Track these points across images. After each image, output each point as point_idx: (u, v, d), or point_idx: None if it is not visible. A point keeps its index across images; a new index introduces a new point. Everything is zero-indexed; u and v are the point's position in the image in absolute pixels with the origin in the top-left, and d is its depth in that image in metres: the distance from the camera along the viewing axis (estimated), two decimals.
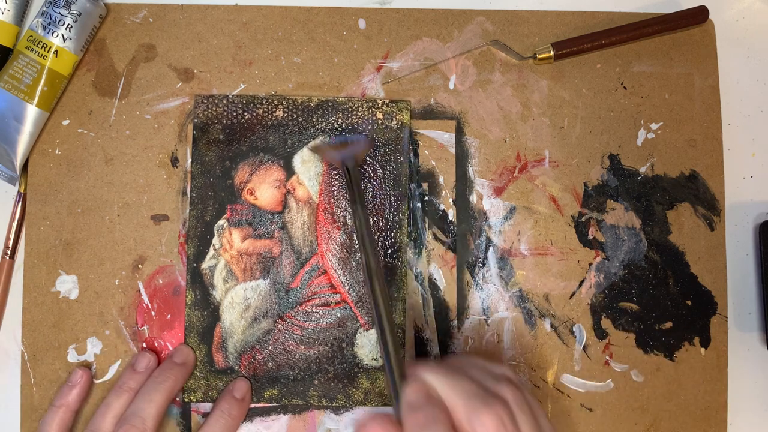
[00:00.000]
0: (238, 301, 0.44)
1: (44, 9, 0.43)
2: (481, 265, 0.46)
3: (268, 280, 0.45)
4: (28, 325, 0.44)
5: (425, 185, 0.46)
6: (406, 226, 0.45)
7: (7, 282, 0.45)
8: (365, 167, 0.45)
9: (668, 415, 0.45)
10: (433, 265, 0.45)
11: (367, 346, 0.44)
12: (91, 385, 0.44)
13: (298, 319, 0.44)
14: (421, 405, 0.32)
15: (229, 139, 0.45)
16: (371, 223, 0.42)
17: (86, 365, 0.44)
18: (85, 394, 0.43)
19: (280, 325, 0.44)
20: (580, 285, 0.46)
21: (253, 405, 0.44)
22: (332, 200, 0.45)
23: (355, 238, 0.45)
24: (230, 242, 0.45)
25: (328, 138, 0.45)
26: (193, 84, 0.46)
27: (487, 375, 0.34)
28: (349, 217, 0.45)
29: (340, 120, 0.46)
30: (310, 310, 0.44)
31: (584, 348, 0.45)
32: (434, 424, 0.30)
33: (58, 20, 0.43)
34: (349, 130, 0.46)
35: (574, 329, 0.45)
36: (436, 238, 0.46)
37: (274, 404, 0.44)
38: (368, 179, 0.45)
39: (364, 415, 0.32)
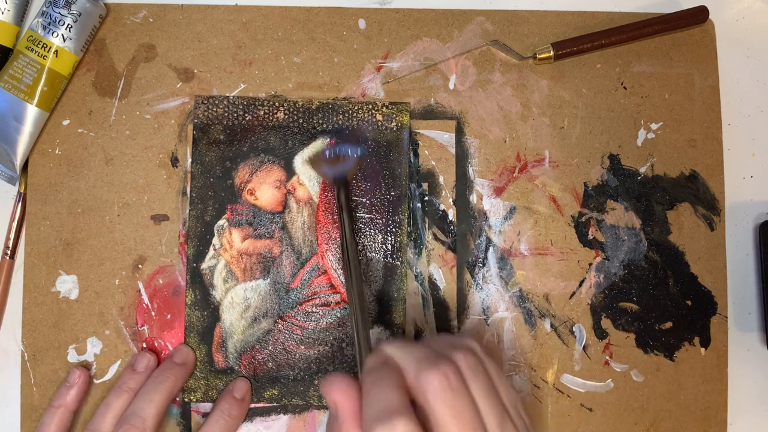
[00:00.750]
0: (238, 301, 0.44)
1: (44, 9, 0.43)
2: (481, 265, 0.46)
3: (268, 280, 0.45)
4: (28, 325, 0.44)
5: (425, 185, 0.46)
6: (406, 226, 0.45)
7: (7, 282, 0.45)
8: (365, 165, 0.45)
9: (668, 415, 0.45)
10: (433, 265, 0.45)
11: None
12: (89, 385, 0.43)
13: (298, 319, 0.44)
14: (375, 367, 0.33)
15: (230, 140, 0.45)
16: (355, 238, 0.43)
17: (86, 365, 0.44)
18: (84, 394, 0.43)
19: (280, 325, 0.44)
20: (580, 285, 0.46)
21: (253, 405, 0.44)
22: (332, 200, 0.45)
23: (355, 233, 0.45)
24: (230, 242, 0.45)
25: (325, 144, 0.45)
26: (193, 84, 0.46)
27: (447, 345, 0.34)
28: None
29: (340, 122, 0.46)
30: (310, 310, 0.44)
31: (584, 348, 0.45)
32: (384, 380, 0.31)
33: (58, 20, 0.43)
34: (349, 130, 0.46)
35: (574, 329, 0.45)
36: (436, 238, 0.46)
37: (274, 404, 0.44)
38: (368, 179, 0.45)
39: (331, 376, 0.33)
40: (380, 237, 0.45)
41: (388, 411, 0.29)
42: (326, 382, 0.33)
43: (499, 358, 0.45)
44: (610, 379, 0.45)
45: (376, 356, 0.34)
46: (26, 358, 0.44)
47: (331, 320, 0.44)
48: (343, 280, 0.45)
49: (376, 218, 0.45)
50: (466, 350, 0.33)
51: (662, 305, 0.46)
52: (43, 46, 0.43)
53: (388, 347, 0.34)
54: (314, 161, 0.45)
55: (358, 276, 0.39)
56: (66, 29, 0.43)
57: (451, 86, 0.47)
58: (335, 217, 0.45)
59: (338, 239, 0.45)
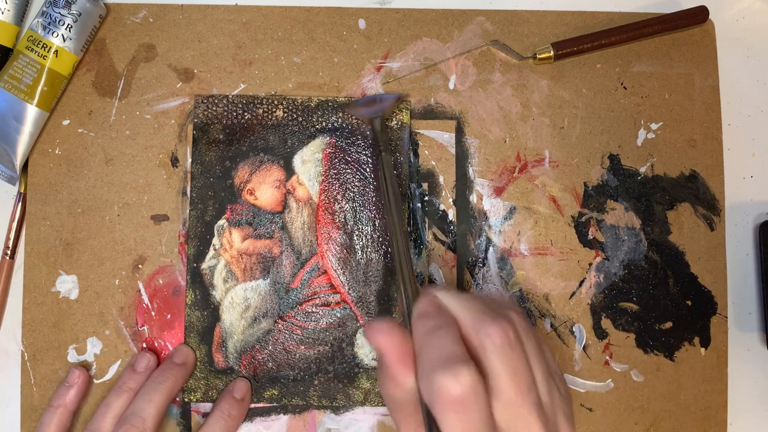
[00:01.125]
0: (238, 301, 0.44)
1: (44, 9, 0.43)
2: (481, 265, 0.46)
3: (268, 280, 0.45)
4: (28, 325, 0.44)
5: (425, 185, 0.46)
6: (406, 226, 0.45)
7: (7, 282, 0.45)
8: (365, 167, 0.45)
9: (668, 415, 0.45)
10: (433, 265, 0.45)
11: (366, 346, 0.44)
12: (88, 384, 0.43)
13: (298, 319, 0.44)
14: (430, 313, 0.32)
15: (229, 139, 0.45)
16: (395, 176, 0.42)
17: (86, 365, 0.44)
18: (83, 394, 0.43)
19: (280, 325, 0.44)
20: (580, 285, 0.46)
21: (253, 405, 0.44)
22: (332, 200, 0.45)
23: (356, 237, 0.45)
24: (230, 242, 0.45)
25: (325, 143, 0.45)
26: (193, 84, 0.46)
27: (497, 305, 0.34)
28: (349, 217, 0.45)
29: (340, 120, 0.46)
30: (310, 310, 0.44)
31: (584, 348, 0.45)
32: (441, 329, 0.31)
33: (58, 20, 0.43)
34: (349, 130, 0.46)
35: (574, 329, 0.45)
36: (436, 238, 0.46)
37: (274, 404, 0.44)
38: (369, 179, 0.45)
39: (374, 322, 0.32)
40: (380, 237, 0.45)
41: (450, 358, 0.29)
42: (370, 327, 0.32)
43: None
44: (610, 379, 0.45)
45: (428, 300, 0.33)
46: (26, 358, 0.44)
47: (331, 320, 0.44)
48: (343, 281, 0.45)
49: (376, 218, 0.45)
50: (518, 312, 0.33)
51: (662, 305, 0.46)
52: (43, 46, 0.43)
53: (442, 294, 0.33)
54: (351, 107, 0.45)
55: (399, 211, 0.39)
56: (66, 29, 0.43)
57: (451, 86, 0.47)
58: (335, 216, 0.45)
59: (338, 239, 0.45)
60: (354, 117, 0.46)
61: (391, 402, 0.32)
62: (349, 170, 0.45)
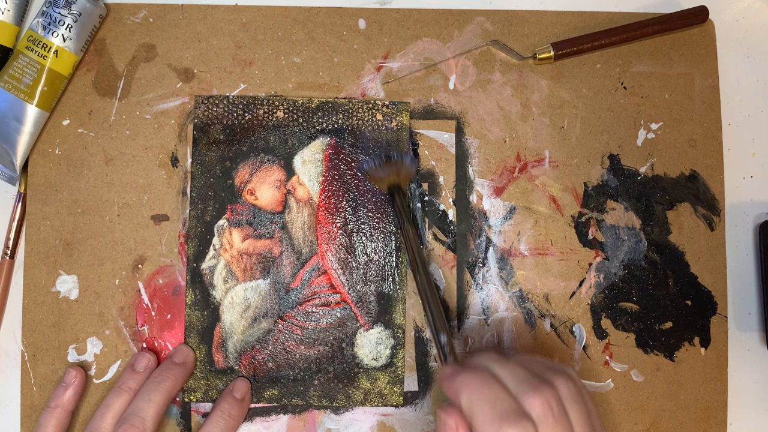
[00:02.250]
0: (238, 301, 0.44)
1: (44, 9, 0.43)
2: (481, 265, 0.46)
3: (268, 280, 0.45)
4: (28, 325, 0.44)
5: (425, 185, 0.46)
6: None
7: (7, 282, 0.45)
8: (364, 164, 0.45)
9: (668, 415, 0.45)
10: (433, 265, 0.45)
11: (367, 346, 0.44)
12: (85, 384, 0.43)
13: (298, 319, 0.44)
14: (478, 377, 0.33)
15: (230, 140, 0.45)
16: (420, 245, 0.44)
17: (86, 365, 0.44)
18: (80, 394, 0.43)
19: (280, 325, 0.44)
20: (580, 285, 0.46)
21: (253, 405, 0.44)
22: (332, 200, 0.45)
23: (355, 237, 0.45)
24: (230, 242, 0.45)
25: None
26: (193, 84, 0.46)
27: (544, 368, 0.34)
28: (349, 217, 0.45)
29: (340, 121, 0.46)
30: (310, 310, 0.44)
31: (584, 348, 0.45)
32: (494, 385, 0.32)
33: (58, 20, 0.43)
34: (349, 130, 0.46)
35: (574, 329, 0.45)
36: (436, 238, 0.46)
37: (274, 404, 0.44)
38: (369, 180, 0.45)
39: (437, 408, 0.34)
40: (380, 237, 0.45)
41: (511, 412, 0.30)
42: (439, 422, 0.33)
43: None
44: (610, 379, 0.45)
45: (473, 369, 0.34)
46: (26, 358, 0.44)
47: (331, 320, 0.44)
48: (343, 281, 0.45)
49: (377, 218, 0.45)
50: (566, 376, 0.33)
51: (662, 305, 0.46)
52: (43, 46, 0.43)
53: (486, 361, 0.34)
54: (366, 172, 0.45)
55: (427, 274, 0.41)
56: (66, 29, 0.43)
57: (451, 86, 0.47)
58: (335, 216, 0.45)
59: (338, 239, 0.45)
60: (354, 118, 0.46)
61: None
62: (349, 171, 0.45)
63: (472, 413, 0.32)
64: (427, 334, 0.45)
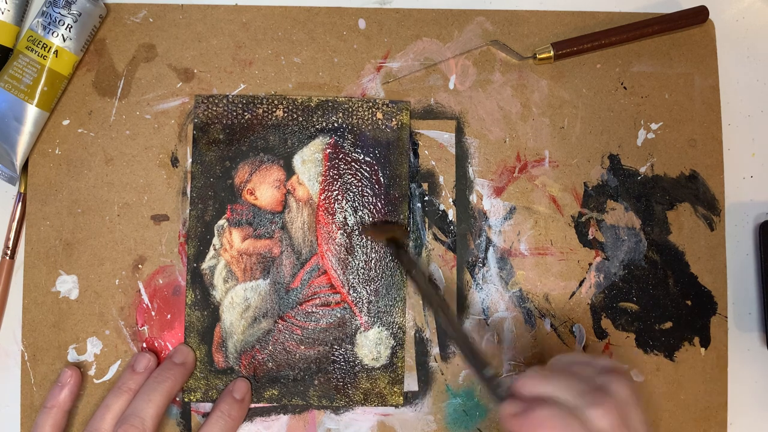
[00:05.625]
0: (238, 301, 0.44)
1: (44, 9, 0.43)
2: (481, 265, 0.46)
3: (268, 280, 0.45)
4: (28, 325, 0.44)
5: (425, 185, 0.46)
6: (406, 225, 0.45)
7: (7, 282, 0.45)
8: (365, 167, 0.45)
9: (668, 415, 0.45)
10: (433, 265, 0.45)
11: (366, 346, 0.44)
12: (81, 384, 0.43)
13: (298, 319, 0.44)
14: (541, 408, 0.32)
15: (229, 139, 0.45)
16: (430, 285, 0.43)
17: (86, 365, 0.44)
18: (77, 393, 0.43)
19: (280, 325, 0.44)
20: (580, 285, 0.46)
21: (253, 405, 0.44)
22: (332, 200, 0.45)
23: (356, 237, 0.45)
24: (230, 242, 0.45)
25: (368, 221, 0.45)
26: (193, 84, 0.46)
27: (595, 371, 0.34)
28: (349, 217, 0.45)
29: (340, 120, 0.46)
30: (310, 310, 0.44)
31: (584, 348, 0.45)
32: (565, 415, 0.31)
33: (58, 20, 0.43)
34: (349, 129, 0.46)
35: (574, 329, 0.45)
36: (436, 238, 0.46)
37: (274, 404, 0.44)
38: (369, 179, 0.45)
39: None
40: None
41: (588, 391, 0.30)
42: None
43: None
44: None
45: (542, 404, 0.33)
46: (26, 358, 0.44)
47: (331, 320, 0.44)
48: (343, 281, 0.45)
49: (377, 218, 0.45)
50: (620, 379, 0.33)
51: (662, 305, 0.46)
52: (43, 46, 0.43)
53: (540, 385, 0.33)
54: (366, 229, 0.45)
55: (447, 309, 0.40)
56: (66, 29, 0.43)
57: (451, 86, 0.47)
58: (335, 216, 0.45)
59: (338, 239, 0.45)
60: (354, 116, 0.46)
61: None
62: (349, 170, 0.45)
63: None
64: (427, 334, 0.45)
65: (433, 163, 0.46)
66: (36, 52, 0.43)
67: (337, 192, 0.45)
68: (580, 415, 0.31)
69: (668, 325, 0.46)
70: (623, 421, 0.31)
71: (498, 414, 0.35)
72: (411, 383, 0.45)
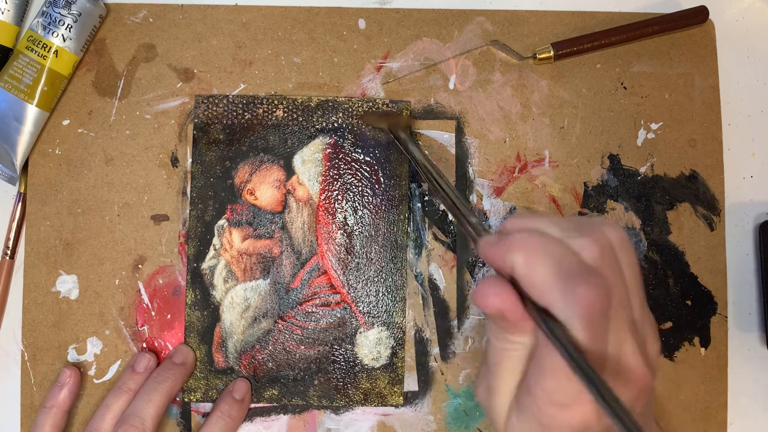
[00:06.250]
0: (238, 301, 0.44)
1: (44, 9, 0.43)
2: (481, 265, 0.46)
3: (268, 280, 0.45)
4: (28, 325, 0.44)
5: (425, 185, 0.46)
6: (406, 226, 0.45)
7: (7, 282, 0.45)
8: (365, 167, 0.45)
9: (668, 415, 0.45)
10: (433, 265, 0.45)
11: (366, 346, 0.44)
12: (81, 383, 0.43)
13: (298, 319, 0.44)
14: (531, 232, 0.29)
15: (230, 139, 0.45)
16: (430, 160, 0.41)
17: (86, 365, 0.44)
18: (76, 393, 0.43)
19: (280, 325, 0.44)
20: None
21: (253, 405, 0.44)
22: (332, 200, 0.45)
23: (356, 237, 0.45)
24: (230, 242, 0.45)
25: (326, 143, 0.45)
26: (193, 84, 0.46)
27: (588, 221, 0.31)
28: (349, 217, 0.45)
29: (340, 120, 0.46)
30: (310, 310, 0.44)
31: None
32: (554, 245, 0.28)
33: (58, 20, 0.43)
34: (349, 129, 0.46)
35: None
36: (436, 238, 0.46)
37: (274, 404, 0.44)
38: (369, 179, 0.45)
39: (481, 285, 0.29)
40: (380, 236, 0.45)
41: (581, 269, 0.27)
42: (478, 292, 0.29)
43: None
44: None
45: (523, 231, 0.30)
46: (26, 358, 0.44)
47: (331, 320, 0.44)
48: (343, 281, 0.45)
49: (377, 218, 0.45)
50: (613, 226, 0.30)
51: (662, 305, 0.46)
52: (43, 46, 0.43)
53: (527, 223, 0.30)
54: (367, 115, 0.44)
55: (450, 184, 0.37)
56: (66, 29, 0.43)
57: (451, 86, 0.47)
58: (335, 216, 0.45)
59: (338, 239, 0.45)
60: (354, 116, 0.46)
61: (498, 357, 0.30)
62: (349, 170, 0.45)
63: (531, 273, 0.27)
64: (428, 333, 0.45)
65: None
66: (36, 52, 0.43)
67: (337, 192, 0.45)
68: (566, 244, 0.28)
69: (668, 325, 0.46)
70: (612, 256, 0.28)
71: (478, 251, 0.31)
72: (411, 383, 0.45)
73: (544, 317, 0.27)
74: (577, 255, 0.28)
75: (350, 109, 0.46)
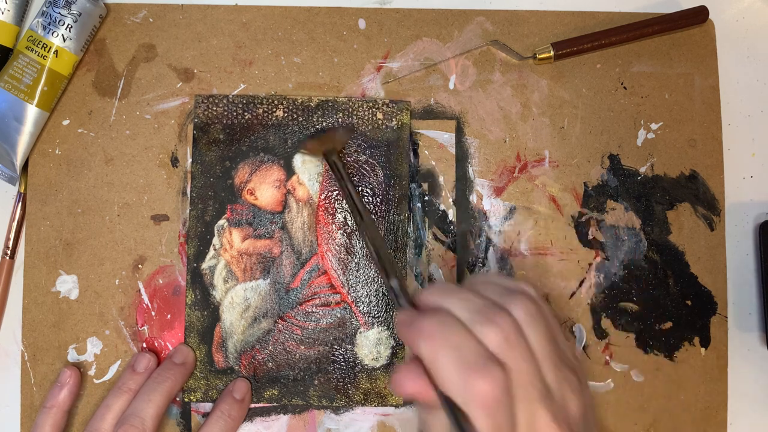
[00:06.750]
0: (238, 301, 0.44)
1: (44, 9, 0.43)
2: (481, 265, 0.46)
3: (268, 280, 0.45)
4: (28, 325, 0.44)
5: (425, 185, 0.46)
6: (406, 226, 0.45)
7: (7, 282, 0.45)
8: (365, 167, 0.45)
9: (668, 415, 0.45)
10: (433, 265, 0.45)
11: (367, 346, 0.44)
12: (81, 383, 0.43)
13: (298, 319, 0.44)
14: (435, 319, 0.31)
15: (230, 139, 0.45)
16: (365, 204, 0.42)
17: (86, 365, 0.44)
18: (76, 393, 0.43)
19: (280, 325, 0.44)
20: (580, 285, 0.46)
21: (253, 405, 0.44)
22: (332, 200, 0.45)
23: (356, 237, 0.45)
24: (230, 242, 0.45)
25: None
26: (193, 84, 0.46)
27: (500, 291, 0.32)
28: (349, 217, 0.45)
29: (340, 120, 0.46)
30: (310, 310, 0.44)
31: (584, 348, 0.45)
32: (453, 327, 0.30)
33: (58, 20, 0.43)
34: (349, 130, 0.46)
35: (574, 329, 0.45)
36: (436, 238, 0.46)
37: (274, 404, 0.44)
38: (369, 179, 0.45)
39: (396, 375, 0.31)
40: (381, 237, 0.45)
41: (479, 357, 0.28)
42: (395, 383, 0.31)
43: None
44: (610, 379, 0.45)
45: (431, 312, 0.31)
46: (26, 358, 0.44)
47: (331, 320, 0.44)
48: (343, 281, 0.45)
49: (377, 218, 0.45)
50: (523, 297, 0.31)
51: (662, 305, 0.46)
52: (43, 46, 0.43)
53: (440, 298, 0.32)
54: (302, 144, 0.45)
55: (379, 236, 0.38)
56: (66, 29, 0.43)
57: (451, 86, 0.47)
58: (335, 216, 0.45)
59: (338, 239, 0.45)
60: (354, 116, 0.46)
61: (428, 428, 0.31)
62: (349, 170, 0.45)
63: (434, 363, 0.29)
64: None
65: (433, 163, 0.46)
66: (36, 52, 0.43)
67: (337, 192, 0.45)
68: (470, 330, 0.30)
69: (668, 325, 0.46)
70: (518, 338, 0.30)
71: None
72: None
73: (448, 403, 0.29)
74: (481, 343, 0.29)
75: (350, 110, 0.46)
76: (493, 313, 0.30)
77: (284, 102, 0.46)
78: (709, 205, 0.46)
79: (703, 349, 0.46)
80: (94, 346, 0.44)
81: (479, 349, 0.29)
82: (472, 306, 0.31)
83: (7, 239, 0.45)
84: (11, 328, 0.45)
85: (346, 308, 0.45)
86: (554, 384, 0.30)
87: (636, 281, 0.46)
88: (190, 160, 0.45)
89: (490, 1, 0.48)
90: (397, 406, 0.44)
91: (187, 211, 0.45)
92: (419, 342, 0.30)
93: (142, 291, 0.45)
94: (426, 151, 0.46)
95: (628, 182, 0.46)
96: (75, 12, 0.43)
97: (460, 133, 0.46)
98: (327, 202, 0.45)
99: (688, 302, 0.46)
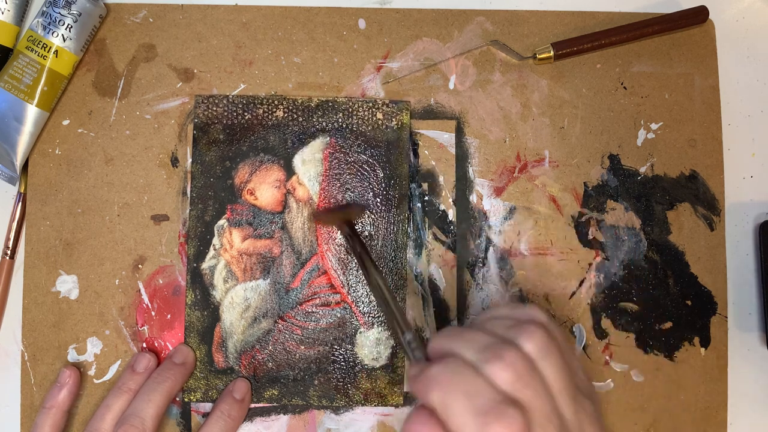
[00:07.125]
0: (238, 301, 0.44)
1: (44, 9, 0.43)
2: (481, 265, 0.46)
3: (268, 280, 0.45)
4: (28, 325, 0.44)
5: (425, 185, 0.46)
6: (406, 226, 0.45)
7: (7, 282, 0.45)
8: (365, 167, 0.45)
9: (668, 415, 0.45)
10: (433, 265, 0.45)
11: (367, 346, 0.44)
12: (80, 384, 0.43)
13: (298, 319, 0.44)
14: (445, 367, 0.29)
15: (230, 139, 0.45)
16: (384, 277, 0.41)
17: (86, 365, 0.44)
18: (76, 393, 0.43)
19: (280, 325, 0.44)
20: (580, 285, 0.46)
21: (253, 405, 0.44)
22: (332, 201, 0.45)
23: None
24: (230, 242, 0.45)
25: (325, 142, 0.45)
26: (193, 84, 0.46)
27: (508, 324, 0.31)
28: None
29: (340, 120, 0.46)
30: (310, 310, 0.44)
31: (584, 348, 0.45)
32: (463, 373, 0.28)
33: (58, 20, 0.43)
34: (349, 129, 0.46)
35: (574, 329, 0.45)
36: (436, 238, 0.46)
37: (274, 404, 0.44)
38: (369, 179, 0.45)
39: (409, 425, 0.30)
40: (380, 237, 0.45)
41: (493, 402, 0.27)
42: (406, 429, 0.29)
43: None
44: (610, 379, 0.45)
45: (440, 360, 0.30)
46: (26, 358, 0.44)
47: (331, 320, 0.44)
48: (343, 281, 0.45)
49: (377, 219, 0.45)
50: (532, 327, 0.30)
51: (662, 305, 0.46)
52: (43, 46, 0.43)
53: (448, 343, 0.31)
54: (316, 214, 0.44)
55: (389, 288, 0.37)
56: (66, 29, 0.43)
57: (451, 86, 0.47)
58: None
59: (338, 240, 0.45)
60: (354, 117, 0.46)
61: None
62: (349, 170, 0.45)
63: (447, 412, 0.28)
64: (428, 333, 0.45)
65: (433, 163, 0.46)
66: (36, 52, 0.43)
67: (337, 192, 0.45)
68: (480, 371, 0.29)
69: (668, 325, 0.46)
70: (529, 374, 0.29)
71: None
72: None
73: None
74: (493, 384, 0.28)
75: (350, 110, 0.46)
76: (501, 349, 0.29)
77: (284, 102, 0.46)
78: (709, 205, 0.47)
79: (703, 349, 0.46)
80: (94, 346, 0.44)
81: (491, 393, 0.28)
82: (478, 345, 0.30)
83: (7, 239, 0.45)
84: (11, 328, 0.45)
85: (346, 308, 0.45)
86: (571, 416, 0.30)
87: (636, 281, 0.46)
88: (190, 160, 0.45)
89: (490, 1, 0.48)
90: (397, 406, 0.44)
91: (187, 211, 0.45)
92: (429, 392, 0.29)
93: (142, 291, 0.45)
94: (426, 151, 0.46)
95: (628, 182, 0.46)
96: (75, 12, 0.43)
97: (460, 133, 0.46)
98: (327, 202, 0.45)
99: (688, 302, 0.46)
